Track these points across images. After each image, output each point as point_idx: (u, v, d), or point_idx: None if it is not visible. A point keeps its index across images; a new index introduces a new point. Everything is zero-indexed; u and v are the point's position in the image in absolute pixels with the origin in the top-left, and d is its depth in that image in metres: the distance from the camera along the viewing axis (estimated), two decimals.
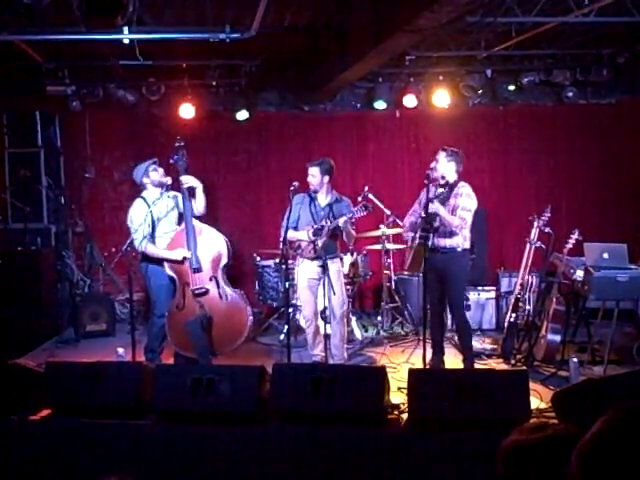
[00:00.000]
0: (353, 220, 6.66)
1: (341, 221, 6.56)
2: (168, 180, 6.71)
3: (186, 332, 6.47)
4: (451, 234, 6.37)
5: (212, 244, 6.67)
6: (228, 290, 6.65)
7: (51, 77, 8.93)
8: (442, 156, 6.44)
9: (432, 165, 6.45)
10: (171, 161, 6.76)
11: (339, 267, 7.02)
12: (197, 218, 6.72)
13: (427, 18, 5.18)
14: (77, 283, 9.52)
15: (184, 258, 6.52)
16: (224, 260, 6.68)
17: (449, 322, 7.62)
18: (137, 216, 6.60)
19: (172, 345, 6.75)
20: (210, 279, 6.60)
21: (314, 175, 6.81)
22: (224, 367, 5.45)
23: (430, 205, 6.13)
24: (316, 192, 6.84)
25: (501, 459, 1.83)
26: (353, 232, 6.87)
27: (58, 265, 9.25)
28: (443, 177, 6.44)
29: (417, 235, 6.43)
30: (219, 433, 4.84)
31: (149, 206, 6.60)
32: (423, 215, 6.23)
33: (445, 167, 6.44)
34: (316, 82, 8.69)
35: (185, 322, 6.48)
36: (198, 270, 6.54)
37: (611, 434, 1.36)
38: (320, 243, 6.61)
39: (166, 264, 6.61)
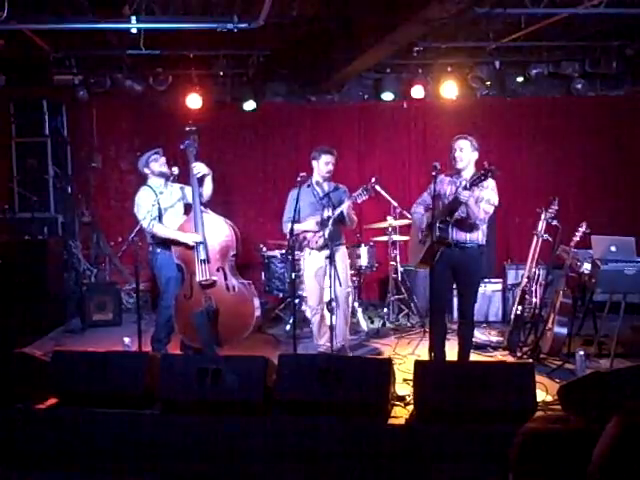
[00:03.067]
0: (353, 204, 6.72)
1: (344, 207, 6.62)
2: (174, 170, 6.68)
3: (192, 322, 6.47)
4: (471, 228, 6.05)
5: (220, 234, 6.65)
6: (235, 282, 6.63)
7: (59, 66, 8.93)
8: (467, 145, 6.07)
9: (456, 154, 6.04)
10: (181, 147, 6.71)
11: (344, 254, 7.05)
12: (202, 205, 6.72)
13: (436, 9, 5.17)
14: (84, 273, 9.55)
15: (195, 243, 6.51)
16: (232, 251, 6.67)
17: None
18: (144, 201, 6.58)
19: (179, 334, 6.76)
20: (217, 270, 6.58)
21: (334, 164, 6.94)
22: (230, 357, 5.46)
23: (462, 193, 5.79)
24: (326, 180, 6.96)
25: (517, 443, 1.83)
26: (354, 216, 6.92)
27: (65, 255, 9.27)
28: (465, 167, 6.10)
29: (436, 227, 5.95)
30: (224, 423, 4.84)
31: (156, 194, 6.59)
32: (442, 206, 5.97)
33: (470, 156, 6.09)
34: (323, 73, 8.67)
35: (191, 313, 6.49)
36: (206, 261, 6.53)
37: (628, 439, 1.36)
38: (327, 233, 6.61)
39: (174, 252, 6.60)
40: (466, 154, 6.07)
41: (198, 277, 6.51)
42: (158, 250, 6.68)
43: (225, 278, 6.59)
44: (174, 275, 6.70)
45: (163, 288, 6.81)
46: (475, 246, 6.11)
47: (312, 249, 6.86)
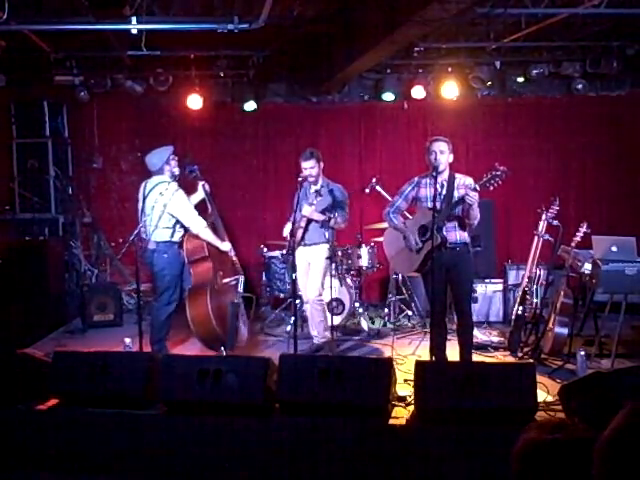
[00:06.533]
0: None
1: (309, 211, 6.86)
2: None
3: (224, 312, 6.73)
4: (463, 227, 6.11)
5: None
6: None
7: (59, 67, 8.95)
8: (446, 147, 6.09)
9: (438, 157, 6.00)
10: (186, 171, 7.00)
11: (323, 252, 7.03)
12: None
13: (436, 9, 5.16)
14: (84, 273, 9.54)
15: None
16: None
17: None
18: (187, 202, 6.79)
19: (189, 330, 6.80)
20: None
21: (312, 167, 6.94)
22: (231, 358, 5.47)
23: (470, 194, 5.82)
24: (317, 181, 7.03)
25: (518, 457, 1.78)
26: (339, 221, 6.94)
27: (66, 255, 9.28)
28: (444, 169, 6.10)
29: (442, 231, 5.96)
30: (226, 424, 4.84)
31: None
32: (444, 208, 5.93)
33: (449, 158, 6.12)
34: (324, 73, 8.67)
35: (228, 302, 6.81)
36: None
37: (630, 430, 1.35)
38: (300, 233, 6.91)
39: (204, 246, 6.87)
40: (445, 156, 6.10)
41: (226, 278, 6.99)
42: (165, 250, 6.70)
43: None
44: (178, 274, 6.76)
45: (165, 286, 6.80)
46: (463, 245, 6.16)
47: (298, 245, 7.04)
